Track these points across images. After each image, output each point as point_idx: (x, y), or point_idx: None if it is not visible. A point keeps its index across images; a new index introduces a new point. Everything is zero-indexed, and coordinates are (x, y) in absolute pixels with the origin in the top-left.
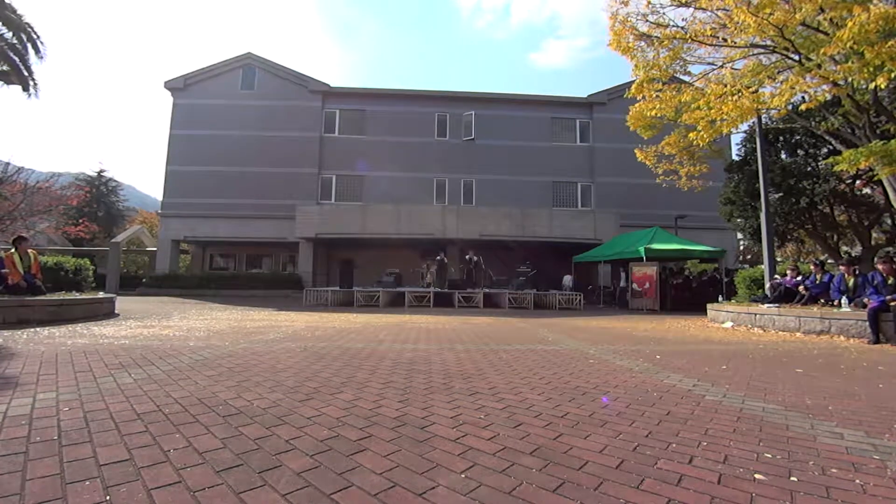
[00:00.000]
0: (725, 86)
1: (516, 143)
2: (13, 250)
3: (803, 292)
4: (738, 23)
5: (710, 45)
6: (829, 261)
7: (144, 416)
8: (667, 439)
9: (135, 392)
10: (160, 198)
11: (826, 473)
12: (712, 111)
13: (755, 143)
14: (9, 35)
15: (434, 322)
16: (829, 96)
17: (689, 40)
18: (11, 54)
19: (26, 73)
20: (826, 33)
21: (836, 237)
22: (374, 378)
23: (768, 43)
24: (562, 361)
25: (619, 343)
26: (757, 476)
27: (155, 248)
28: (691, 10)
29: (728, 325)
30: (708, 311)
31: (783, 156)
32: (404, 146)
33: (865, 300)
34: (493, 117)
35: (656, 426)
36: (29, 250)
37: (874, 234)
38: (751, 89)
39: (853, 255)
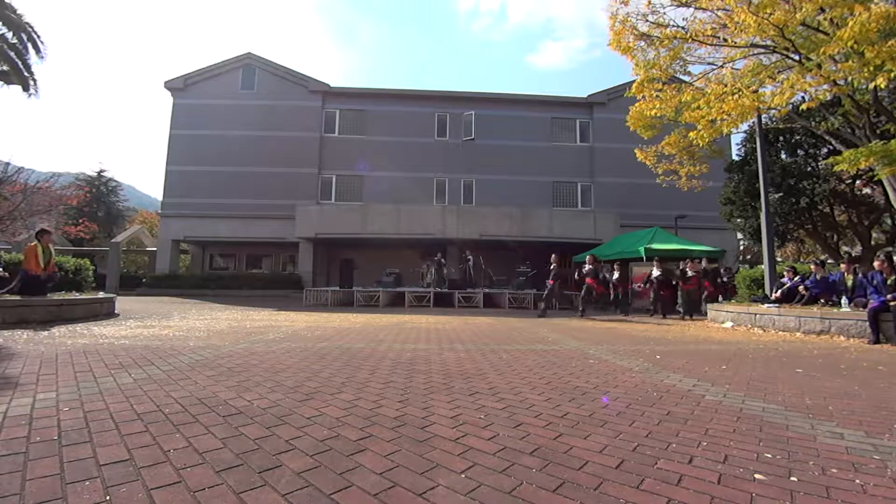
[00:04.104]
0: (725, 85)
1: (516, 143)
2: (36, 242)
3: (803, 292)
4: (738, 23)
5: (711, 44)
6: (830, 261)
7: (144, 416)
8: (667, 439)
9: (135, 392)
10: (160, 198)
11: (826, 473)
12: (713, 110)
13: (755, 143)
14: (9, 35)
15: (434, 322)
16: (829, 96)
17: (690, 40)
18: (11, 54)
19: (26, 73)
20: (826, 33)
21: (836, 237)
22: (374, 378)
23: (768, 43)
24: (562, 361)
25: (619, 343)
26: (757, 476)
27: (155, 248)
28: (691, 9)
29: (728, 325)
30: (708, 311)
31: (783, 156)
32: (404, 146)
33: (865, 300)
34: (493, 117)
35: (656, 426)
36: (49, 245)
37: (874, 234)
38: (751, 88)
39: (853, 255)
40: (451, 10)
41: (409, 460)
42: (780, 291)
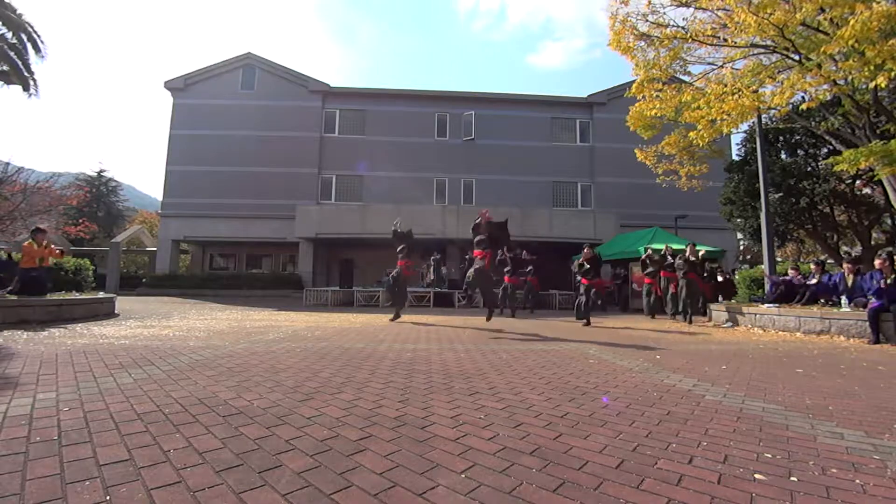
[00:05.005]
0: (725, 85)
1: (516, 143)
2: (31, 240)
3: (799, 282)
4: (738, 22)
5: (711, 44)
6: (829, 261)
7: (144, 416)
8: (667, 439)
9: (135, 392)
10: (160, 198)
11: (826, 473)
12: (713, 110)
13: (755, 143)
14: (9, 35)
15: (434, 322)
16: (829, 96)
17: (690, 40)
18: (12, 54)
19: (26, 73)
20: (826, 33)
21: (836, 237)
22: (374, 378)
23: (769, 43)
24: (562, 361)
25: (619, 343)
26: (757, 476)
27: (155, 248)
28: (691, 9)
29: (728, 325)
30: (708, 311)
31: (783, 156)
32: (404, 146)
33: (865, 300)
34: (493, 117)
35: (656, 426)
36: (45, 242)
37: (874, 234)
38: (751, 88)
39: (853, 255)
40: (451, 11)
41: (409, 460)
42: (776, 287)
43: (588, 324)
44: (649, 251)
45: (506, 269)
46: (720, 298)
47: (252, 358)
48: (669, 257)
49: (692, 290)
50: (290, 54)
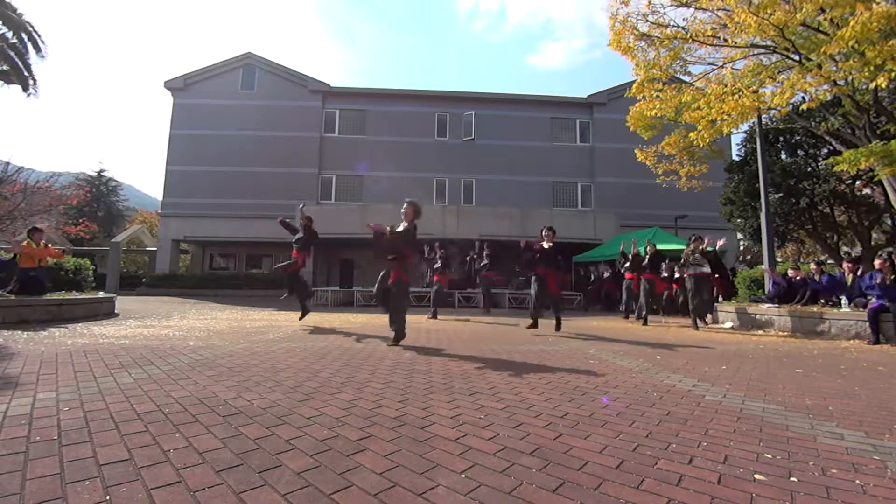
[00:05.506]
0: (726, 86)
1: (516, 143)
2: (28, 240)
3: (803, 283)
4: (738, 23)
5: (711, 45)
6: (830, 261)
7: (144, 416)
8: (667, 439)
9: (135, 392)
10: (160, 198)
11: (826, 474)
12: (713, 111)
13: (755, 144)
14: (9, 34)
15: (434, 322)
16: (829, 96)
17: (690, 40)
18: (11, 54)
19: (26, 73)
20: (826, 33)
21: (836, 237)
22: (374, 378)
23: (769, 43)
24: (562, 361)
25: (619, 343)
26: (757, 476)
27: (155, 248)
28: (692, 10)
29: (728, 325)
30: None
31: (783, 156)
32: (404, 146)
33: (865, 300)
34: (493, 117)
35: (656, 426)
36: (41, 242)
37: (874, 235)
38: (751, 89)
39: (853, 255)
40: (451, 11)
41: (409, 460)
42: (778, 285)
43: (534, 325)
44: (649, 248)
45: (435, 267)
46: (720, 299)
47: (252, 358)
48: (647, 258)
49: (707, 290)
50: (290, 54)
